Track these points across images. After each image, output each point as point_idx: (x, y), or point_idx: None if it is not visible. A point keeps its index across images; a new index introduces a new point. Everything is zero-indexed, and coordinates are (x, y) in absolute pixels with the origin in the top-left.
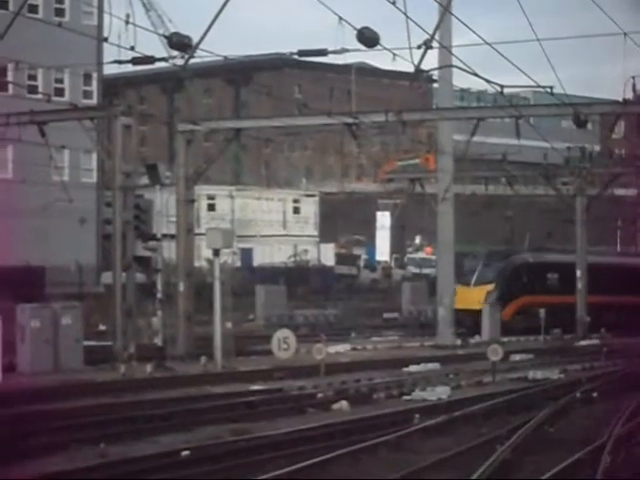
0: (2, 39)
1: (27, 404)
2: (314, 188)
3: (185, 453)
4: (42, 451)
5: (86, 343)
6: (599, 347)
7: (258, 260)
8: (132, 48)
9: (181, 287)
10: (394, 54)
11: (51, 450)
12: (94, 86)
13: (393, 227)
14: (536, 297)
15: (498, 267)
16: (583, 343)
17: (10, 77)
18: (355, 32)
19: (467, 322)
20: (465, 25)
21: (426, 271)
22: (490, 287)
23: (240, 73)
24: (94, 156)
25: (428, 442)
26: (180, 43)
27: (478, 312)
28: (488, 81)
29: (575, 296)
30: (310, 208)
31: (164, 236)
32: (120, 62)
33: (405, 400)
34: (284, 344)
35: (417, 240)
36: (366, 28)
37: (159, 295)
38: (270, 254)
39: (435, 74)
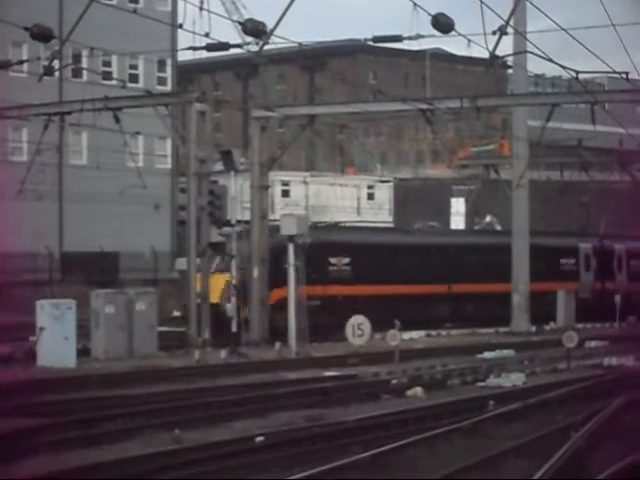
0: (77, 25)
1: (102, 389)
2: (388, 174)
3: (259, 439)
4: (118, 436)
5: (160, 329)
6: None
7: None
8: (206, 34)
9: (255, 273)
10: (469, 40)
11: (126, 435)
12: (168, 72)
13: (468, 213)
14: (312, 288)
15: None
16: None
17: (84, 63)
18: (430, 18)
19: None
20: (540, 10)
21: None
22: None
23: (314, 59)
24: (168, 142)
25: (503, 428)
26: (255, 29)
27: (216, 306)
28: (563, 67)
29: (382, 286)
30: (384, 194)
31: (238, 222)
32: (194, 49)
33: (480, 387)
34: (358, 330)
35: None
36: (441, 14)
37: (233, 281)
38: None
39: (510, 60)
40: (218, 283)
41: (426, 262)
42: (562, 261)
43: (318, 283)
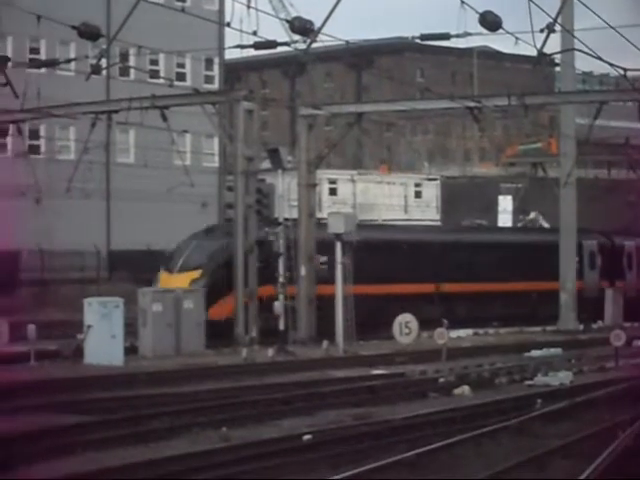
0: (124, 24)
1: (149, 387)
2: (436, 172)
3: (307, 437)
4: (165, 434)
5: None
6: None
7: None
8: (254, 33)
9: (302, 271)
10: (516, 38)
11: (174, 433)
12: (216, 71)
13: (515, 211)
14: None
15: (211, 247)
16: None
17: (132, 62)
18: (477, 16)
19: None
20: (588, 8)
21: None
22: (196, 274)
23: (361, 57)
24: (216, 140)
25: (550, 427)
26: (302, 27)
27: None
28: (611, 64)
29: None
30: (432, 192)
31: (286, 220)
32: (242, 47)
33: (527, 385)
34: (406, 328)
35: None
36: (488, 12)
37: (281, 279)
38: None
39: (557, 58)
40: (181, 282)
41: (413, 261)
42: None
43: (291, 282)
